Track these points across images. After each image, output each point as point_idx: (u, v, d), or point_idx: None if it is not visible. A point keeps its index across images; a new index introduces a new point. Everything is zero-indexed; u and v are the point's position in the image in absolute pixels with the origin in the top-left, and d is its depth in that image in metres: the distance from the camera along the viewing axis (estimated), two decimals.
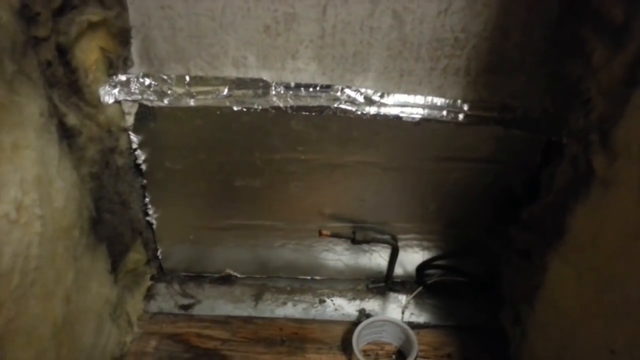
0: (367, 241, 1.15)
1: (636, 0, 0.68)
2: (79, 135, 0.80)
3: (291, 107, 0.94)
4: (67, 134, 0.77)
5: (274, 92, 0.93)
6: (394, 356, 1.12)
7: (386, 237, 1.16)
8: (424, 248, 1.20)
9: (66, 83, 0.78)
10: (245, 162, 1.03)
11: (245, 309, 1.21)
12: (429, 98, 0.95)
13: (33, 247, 0.68)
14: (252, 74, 0.93)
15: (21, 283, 0.66)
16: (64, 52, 0.75)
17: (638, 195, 0.69)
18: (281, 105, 0.93)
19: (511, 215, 1.04)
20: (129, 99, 0.92)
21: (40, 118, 0.68)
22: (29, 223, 0.67)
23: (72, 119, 0.78)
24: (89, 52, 0.82)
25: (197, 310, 1.20)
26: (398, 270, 1.24)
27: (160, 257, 1.21)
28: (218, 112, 0.94)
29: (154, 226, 1.14)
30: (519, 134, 0.96)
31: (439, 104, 0.96)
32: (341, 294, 1.25)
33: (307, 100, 0.94)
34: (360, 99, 0.95)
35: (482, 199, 1.08)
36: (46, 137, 0.70)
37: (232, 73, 0.93)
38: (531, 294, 0.99)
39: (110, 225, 0.96)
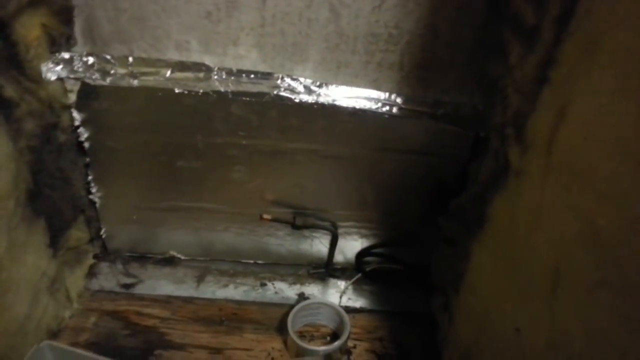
0: (307, 227, 1.20)
1: (543, 3, 0.73)
2: (16, 108, 0.82)
3: (232, 92, 0.97)
4: (3, 106, 0.79)
5: (215, 77, 0.96)
6: (328, 337, 1.17)
7: (326, 223, 1.21)
8: (362, 236, 1.25)
9: (5, 56, 0.80)
10: (187, 144, 1.06)
11: (186, 290, 1.24)
12: (365, 90, 1.00)
13: None
14: (195, 58, 0.96)
15: None
16: (2, 26, 0.76)
17: (540, 184, 0.75)
18: (222, 89, 0.97)
19: (443, 206, 1.10)
20: (72, 76, 0.94)
21: None
22: None
23: (9, 91, 0.80)
24: (30, 28, 0.84)
25: (138, 290, 1.22)
26: (338, 257, 1.29)
27: (103, 236, 1.23)
28: (160, 94, 0.97)
29: (97, 205, 1.16)
30: (450, 128, 1.02)
31: (374, 96, 1.00)
32: (282, 279, 1.29)
33: (247, 86, 0.97)
34: (300, 88, 0.99)
35: (417, 190, 1.14)
36: None
37: (174, 56, 0.96)
38: (457, 281, 1.05)
39: (49, 200, 0.98)
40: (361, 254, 1.28)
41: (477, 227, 0.96)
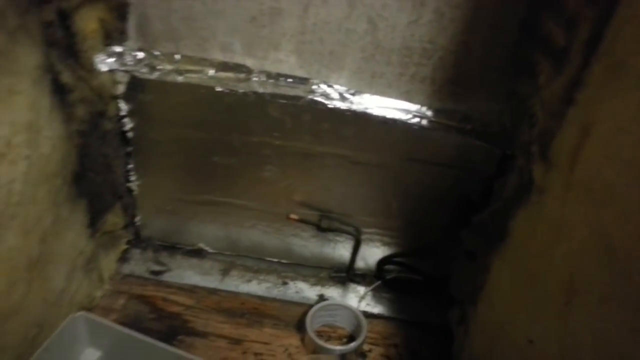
0: (332, 230, 1.23)
1: (573, 27, 0.76)
2: (70, 93, 0.89)
3: (270, 94, 1.02)
4: (60, 90, 0.86)
5: (255, 79, 1.02)
6: (345, 339, 1.20)
7: (350, 228, 1.24)
8: (384, 243, 1.28)
9: (64, 45, 0.87)
10: (223, 141, 1.11)
11: (211, 282, 1.29)
12: (397, 101, 1.03)
13: (17, 184, 0.76)
14: (237, 59, 1.01)
15: (2, 213, 0.74)
16: (65, 17, 0.83)
17: (561, 200, 0.77)
18: (260, 91, 1.02)
19: (466, 219, 1.12)
20: (122, 69, 1.00)
21: (36, 70, 0.76)
22: (15, 160, 0.75)
23: (66, 77, 0.87)
24: (88, 21, 0.91)
25: (166, 277, 1.28)
26: (359, 263, 1.32)
27: (138, 223, 1.29)
28: (202, 91, 1.03)
29: (135, 193, 1.22)
30: (477, 144, 1.04)
31: (405, 107, 1.04)
32: (304, 279, 1.33)
33: (285, 89, 1.02)
34: (334, 94, 1.03)
35: (440, 202, 1.16)
36: (40, 88, 0.79)
37: (218, 57, 1.01)
38: (475, 294, 1.07)
39: (92, 183, 1.04)
40: (382, 262, 1.31)
41: (499, 241, 0.98)
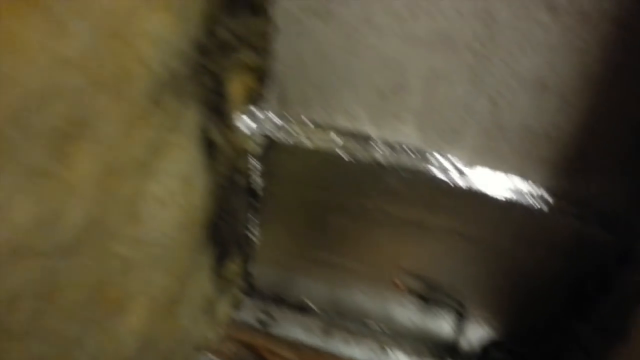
0: (437, 303, 1.22)
1: None
2: (217, 150, 1.01)
3: (390, 164, 1.08)
4: (208, 147, 0.99)
5: (377, 148, 1.08)
6: None
7: (455, 304, 1.23)
8: (491, 325, 1.24)
9: (214, 106, 1.00)
10: (341, 203, 1.18)
11: (315, 339, 1.32)
12: (515, 181, 1.04)
13: (169, 229, 0.87)
14: (361, 128, 1.09)
15: (154, 254, 0.85)
16: (219, 83, 0.97)
17: None
18: (382, 160, 1.08)
19: (580, 310, 1.06)
20: (260, 131, 1.13)
21: (195, 129, 0.89)
22: (173, 209, 0.87)
23: (214, 135, 1.00)
24: (237, 86, 1.04)
25: (273, 329, 1.34)
26: (462, 340, 1.28)
27: (252, 273, 1.38)
28: (327, 156, 1.11)
29: (254, 243, 1.32)
30: (596, 231, 1.01)
31: (523, 188, 1.04)
32: (403, 349, 1.32)
33: (404, 160, 1.08)
34: (452, 169, 1.07)
35: (554, 288, 1.12)
36: (196, 145, 0.91)
37: (344, 124, 1.10)
38: None
39: (219, 231, 1.15)
40: (488, 347, 1.26)
41: (618, 341, 0.92)
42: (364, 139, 1.09)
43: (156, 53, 0.69)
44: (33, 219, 0.52)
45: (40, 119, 0.50)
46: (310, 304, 1.39)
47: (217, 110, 1.03)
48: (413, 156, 1.08)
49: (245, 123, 1.11)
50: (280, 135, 1.12)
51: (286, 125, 1.12)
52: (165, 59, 0.73)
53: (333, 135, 1.10)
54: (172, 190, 0.84)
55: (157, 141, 0.74)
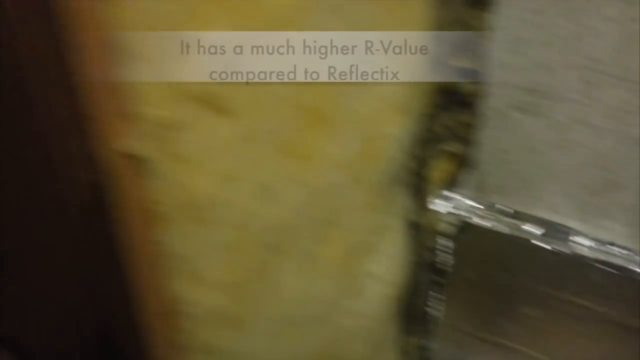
0: None
1: None
2: (414, 229, 1.08)
3: (591, 258, 1.05)
4: (409, 225, 1.05)
5: (580, 243, 1.06)
6: None
7: None
8: None
9: (417, 189, 1.07)
10: (531, 291, 1.16)
11: None
12: None
13: (378, 303, 0.95)
14: (561, 220, 1.08)
15: (366, 325, 0.92)
16: (423, 167, 1.04)
17: None
18: (584, 254, 1.05)
19: None
20: (454, 212, 1.17)
21: (402, 211, 0.97)
22: (383, 285, 0.94)
23: (413, 215, 1.06)
24: (437, 170, 1.11)
25: None
26: None
27: (430, 348, 1.39)
28: (524, 244, 1.11)
29: (436, 321, 1.34)
30: None
31: None
32: None
33: (610, 257, 1.04)
34: None
35: None
36: (400, 225, 0.99)
37: (543, 215, 1.09)
38: None
39: (407, 306, 1.20)
40: None
41: None
42: (565, 232, 1.07)
43: (391, 150, 0.78)
44: (295, 295, 0.61)
45: (315, 210, 0.60)
46: None
47: (418, 192, 1.10)
48: (619, 253, 1.03)
49: (440, 205, 1.16)
50: (474, 219, 1.15)
51: (482, 210, 1.15)
52: (396, 154, 0.81)
53: (531, 225, 1.10)
54: (386, 268, 0.91)
55: (380, 224, 0.83)
